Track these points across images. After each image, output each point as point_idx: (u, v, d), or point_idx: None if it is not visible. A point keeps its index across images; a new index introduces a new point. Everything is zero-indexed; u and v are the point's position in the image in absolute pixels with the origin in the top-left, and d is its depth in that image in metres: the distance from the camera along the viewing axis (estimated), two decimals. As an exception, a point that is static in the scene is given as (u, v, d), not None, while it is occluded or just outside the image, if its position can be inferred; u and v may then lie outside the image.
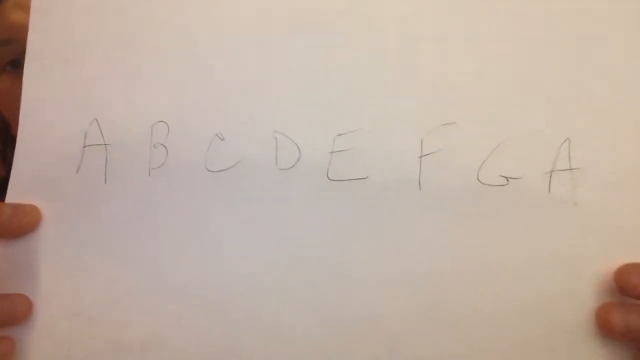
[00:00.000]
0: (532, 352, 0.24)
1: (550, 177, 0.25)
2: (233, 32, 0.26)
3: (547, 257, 0.25)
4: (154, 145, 0.25)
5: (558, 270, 0.24)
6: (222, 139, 0.25)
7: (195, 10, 0.26)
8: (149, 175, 0.25)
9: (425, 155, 0.25)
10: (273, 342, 0.24)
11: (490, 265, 0.25)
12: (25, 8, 0.41)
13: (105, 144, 0.25)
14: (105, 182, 0.25)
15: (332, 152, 0.25)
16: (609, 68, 0.25)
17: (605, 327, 0.23)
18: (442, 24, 0.26)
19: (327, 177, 0.25)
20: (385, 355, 0.24)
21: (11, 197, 0.25)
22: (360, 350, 0.24)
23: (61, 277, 0.24)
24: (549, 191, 0.25)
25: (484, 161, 0.25)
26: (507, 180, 0.25)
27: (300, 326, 0.24)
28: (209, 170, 0.25)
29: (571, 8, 0.26)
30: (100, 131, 0.26)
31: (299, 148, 0.25)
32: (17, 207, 0.24)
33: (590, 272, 0.24)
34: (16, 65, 0.42)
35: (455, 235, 0.25)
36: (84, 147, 0.25)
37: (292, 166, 0.25)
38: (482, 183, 0.25)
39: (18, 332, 0.24)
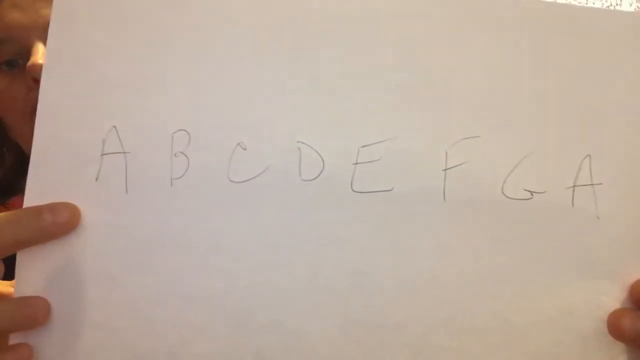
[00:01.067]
0: (545, 357, 0.25)
1: (574, 191, 0.25)
2: (256, 39, 0.25)
3: (570, 269, 0.25)
4: (175, 154, 0.25)
5: (579, 282, 0.25)
6: (245, 149, 0.25)
7: (219, 17, 0.25)
8: (171, 185, 0.25)
9: (449, 168, 0.25)
10: (296, 351, 0.24)
11: (512, 276, 0.25)
12: (22, 8, 0.40)
13: (124, 152, 0.25)
14: (127, 192, 0.25)
15: (356, 164, 0.25)
16: (627, 84, 0.25)
17: (615, 331, 0.23)
18: (468, 37, 0.25)
19: (352, 188, 0.25)
20: None
21: (28, 202, 0.25)
22: (383, 359, 0.24)
23: (83, 286, 0.24)
24: (573, 205, 0.25)
25: (508, 175, 0.25)
26: (532, 194, 0.25)
27: (324, 335, 0.24)
28: (231, 181, 0.25)
29: (590, 25, 0.25)
30: (119, 139, 0.25)
31: (322, 159, 0.25)
32: (54, 210, 0.24)
33: (611, 284, 0.25)
34: (12, 65, 0.40)
35: (479, 247, 0.25)
36: (102, 154, 0.25)
37: (316, 177, 0.25)
38: (506, 196, 0.25)
39: (39, 342, 0.24)
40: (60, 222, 0.24)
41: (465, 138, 0.25)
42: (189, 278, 0.24)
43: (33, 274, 0.24)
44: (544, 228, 0.25)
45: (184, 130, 0.25)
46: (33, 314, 0.24)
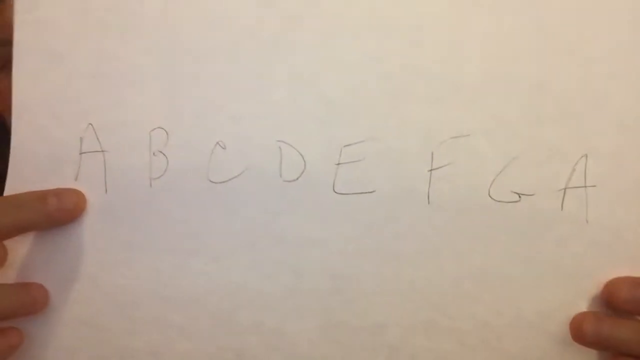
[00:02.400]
0: None
1: (564, 194, 0.24)
2: (234, 36, 0.24)
3: (552, 273, 0.24)
4: (154, 154, 0.24)
5: (561, 286, 0.24)
6: (224, 148, 0.24)
7: (195, 13, 0.24)
8: (150, 186, 0.24)
9: (435, 169, 0.24)
10: (277, 351, 0.25)
11: (492, 280, 0.25)
12: None
13: (102, 151, 0.24)
14: (106, 192, 0.24)
15: (338, 164, 0.24)
16: (625, 84, 0.24)
17: (577, 335, 0.24)
18: (455, 34, 0.24)
19: (334, 190, 0.24)
20: None
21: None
22: (362, 359, 0.25)
23: (65, 283, 0.25)
24: (562, 209, 0.24)
25: (497, 176, 0.24)
26: (519, 196, 0.24)
27: (304, 335, 0.25)
28: (211, 182, 0.24)
29: (587, 27, 0.24)
30: (97, 137, 0.24)
31: (304, 159, 0.24)
32: (60, 195, 0.23)
33: (592, 289, 0.24)
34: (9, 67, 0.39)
35: (462, 250, 0.24)
36: (81, 153, 0.24)
37: (297, 178, 0.24)
38: (493, 199, 0.24)
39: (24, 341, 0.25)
40: (66, 209, 0.23)
41: (453, 137, 0.24)
42: (169, 279, 0.24)
43: (14, 266, 0.24)
44: (530, 232, 0.24)
45: (162, 128, 0.24)
46: (32, 300, 0.24)
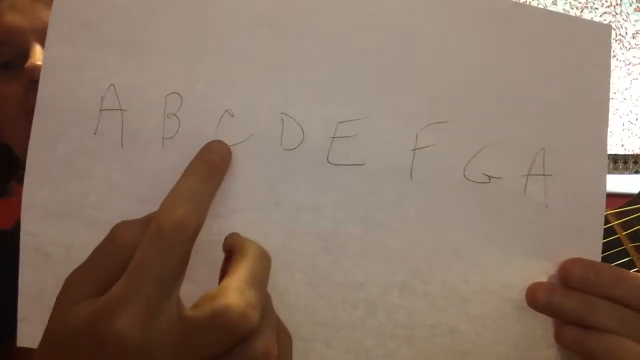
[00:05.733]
0: (485, 322, 0.28)
1: (527, 180, 0.28)
2: (248, 10, 0.27)
3: (515, 249, 0.28)
4: (167, 116, 0.27)
5: (523, 262, 0.28)
6: (232, 116, 0.27)
7: None
8: (162, 145, 0.27)
9: (418, 149, 0.28)
10: (266, 302, 0.27)
11: (463, 252, 0.28)
12: (20, 10, 0.39)
13: (121, 110, 0.27)
14: (122, 147, 0.27)
15: (333, 138, 0.27)
16: (577, 93, 0.28)
17: (531, 300, 0.27)
18: (448, 34, 0.28)
19: (327, 160, 0.27)
20: (365, 318, 0.27)
21: (33, 153, 0.27)
22: (342, 312, 0.27)
23: (80, 232, 0.27)
24: (525, 193, 0.28)
25: (471, 159, 0.28)
26: (489, 178, 0.28)
27: (292, 288, 0.27)
28: (218, 145, 0.27)
29: (549, 29, 0.28)
30: (117, 97, 0.27)
31: (303, 131, 0.27)
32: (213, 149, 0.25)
33: (550, 266, 0.28)
34: (7, 67, 0.40)
35: (438, 223, 0.28)
36: (101, 110, 0.27)
37: (296, 147, 0.27)
38: (467, 179, 0.28)
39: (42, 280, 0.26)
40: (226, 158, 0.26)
41: (435, 122, 0.28)
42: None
43: (39, 208, 0.26)
44: (497, 211, 0.28)
45: (177, 93, 0.27)
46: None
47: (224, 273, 0.23)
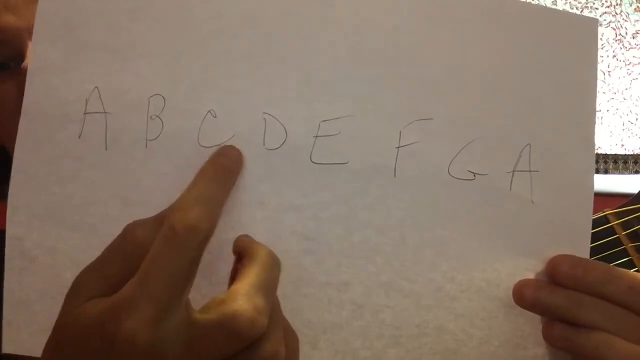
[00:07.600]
0: (472, 320, 0.27)
1: (512, 176, 0.28)
2: (230, 12, 0.27)
3: (502, 247, 0.28)
4: (151, 117, 0.27)
5: (509, 259, 0.27)
6: (215, 116, 0.27)
7: None
8: (146, 147, 0.27)
9: (402, 147, 0.28)
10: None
11: (449, 250, 0.27)
12: (15, 10, 0.40)
13: (105, 112, 0.27)
14: (106, 149, 0.27)
15: (316, 137, 0.27)
16: (564, 89, 0.28)
17: (518, 297, 0.26)
18: (431, 32, 0.28)
19: (311, 159, 0.27)
20: (351, 318, 0.27)
21: (19, 156, 0.27)
22: (327, 313, 0.27)
23: (65, 232, 0.27)
24: (510, 189, 0.28)
25: (455, 156, 0.28)
26: (475, 175, 0.28)
27: (278, 289, 0.27)
28: (201, 146, 0.27)
29: (536, 24, 0.28)
30: (101, 99, 0.27)
31: (286, 130, 0.27)
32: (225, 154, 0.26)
33: (537, 263, 0.27)
34: (3, 67, 0.40)
35: (422, 221, 0.27)
36: (85, 113, 0.27)
37: (279, 147, 0.27)
38: (451, 176, 0.28)
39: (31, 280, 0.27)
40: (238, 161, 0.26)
41: (419, 119, 0.28)
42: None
43: (23, 211, 0.27)
44: (483, 208, 0.28)
45: (160, 95, 0.27)
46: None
47: (234, 274, 0.24)
